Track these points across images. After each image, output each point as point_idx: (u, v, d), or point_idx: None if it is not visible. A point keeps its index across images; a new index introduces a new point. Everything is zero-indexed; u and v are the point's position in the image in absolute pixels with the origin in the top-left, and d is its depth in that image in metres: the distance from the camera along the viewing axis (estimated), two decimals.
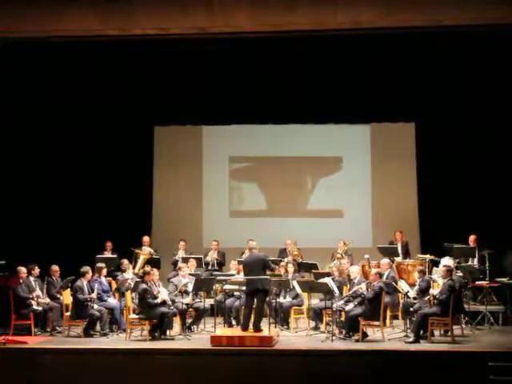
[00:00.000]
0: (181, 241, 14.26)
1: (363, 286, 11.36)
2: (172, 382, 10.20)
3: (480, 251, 13.08)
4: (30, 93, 14.23)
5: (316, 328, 11.93)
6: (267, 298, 11.24)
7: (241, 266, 11.98)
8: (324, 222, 15.52)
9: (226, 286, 12.02)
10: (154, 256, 13.93)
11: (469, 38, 12.90)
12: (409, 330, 11.24)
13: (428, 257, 13.09)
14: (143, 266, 13.05)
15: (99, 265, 12.47)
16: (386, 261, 12.57)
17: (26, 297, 11.84)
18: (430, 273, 12.62)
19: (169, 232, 15.29)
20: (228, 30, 11.75)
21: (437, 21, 11.24)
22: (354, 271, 11.95)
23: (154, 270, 11.93)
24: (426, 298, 11.33)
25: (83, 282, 11.84)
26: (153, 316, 11.23)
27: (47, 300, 12.15)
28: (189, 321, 11.94)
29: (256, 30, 11.79)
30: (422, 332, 10.99)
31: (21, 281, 11.94)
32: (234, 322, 12.16)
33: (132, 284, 11.90)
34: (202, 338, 11.28)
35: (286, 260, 13.28)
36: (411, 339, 10.92)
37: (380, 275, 11.53)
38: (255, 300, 10.97)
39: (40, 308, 11.91)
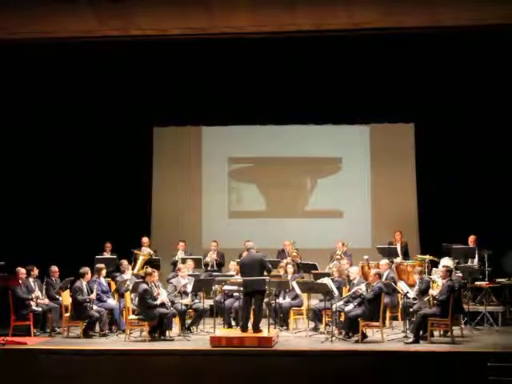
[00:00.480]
0: (180, 241, 14.26)
1: (363, 286, 11.34)
2: (171, 382, 10.19)
3: (479, 252, 13.08)
4: (29, 93, 14.22)
5: (315, 329, 11.90)
6: (266, 299, 11.23)
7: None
8: (323, 222, 15.51)
9: (226, 287, 12.00)
10: (154, 257, 13.93)
11: (469, 38, 12.87)
12: (408, 331, 11.24)
13: (427, 257, 13.10)
14: (142, 267, 13.05)
15: (98, 266, 12.45)
16: (385, 261, 12.58)
17: (25, 298, 11.83)
18: (430, 273, 12.61)
19: (168, 233, 15.30)
20: (228, 30, 11.74)
21: (437, 21, 11.24)
22: (354, 272, 11.95)
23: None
24: (426, 299, 11.32)
25: (82, 283, 11.82)
26: (152, 317, 11.21)
27: (46, 301, 12.13)
28: (188, 321, 11.94)
29: (256, 31, 11.78)
30: (421, 332, 10.98)
31: (20, 282, 11.92)
32: (233, 323, 12.14)
33: (131, 285, 11.88)
34: (201, 338, 11.26)
35: (285, 261, 13.25)
36: (411, 340, 10.92)
37: (379, 276, 11.51)
38: (253, 301, 10.95)
39: (39, 309, 11.90)
